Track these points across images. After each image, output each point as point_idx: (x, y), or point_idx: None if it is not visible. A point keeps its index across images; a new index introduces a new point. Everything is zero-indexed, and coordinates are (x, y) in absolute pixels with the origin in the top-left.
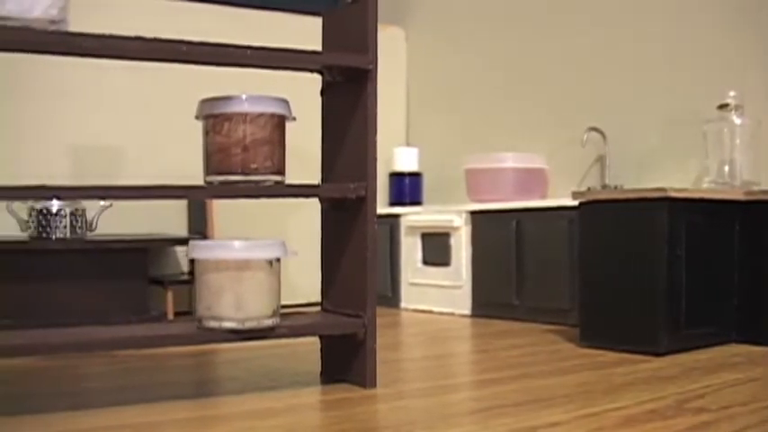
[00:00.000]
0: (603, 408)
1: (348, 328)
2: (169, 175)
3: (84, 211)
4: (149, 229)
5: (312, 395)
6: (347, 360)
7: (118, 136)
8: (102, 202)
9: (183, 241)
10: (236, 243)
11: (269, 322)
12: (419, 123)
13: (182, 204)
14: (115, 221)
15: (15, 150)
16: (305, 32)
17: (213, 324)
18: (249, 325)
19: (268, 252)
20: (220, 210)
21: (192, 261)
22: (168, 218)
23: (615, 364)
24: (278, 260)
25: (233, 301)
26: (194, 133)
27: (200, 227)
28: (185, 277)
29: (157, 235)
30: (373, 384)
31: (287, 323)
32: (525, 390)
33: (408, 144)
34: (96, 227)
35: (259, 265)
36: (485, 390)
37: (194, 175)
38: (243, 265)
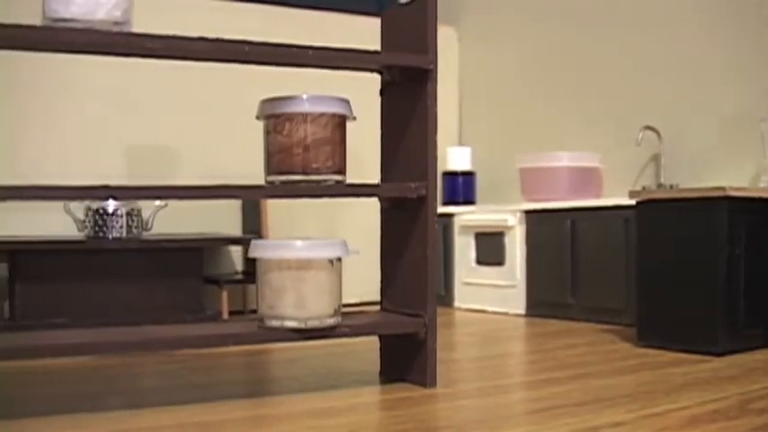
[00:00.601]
0: (666, 408)
1: (409, 327)
2: (220, 174)
3: (139, 210)
4: (203, 228)
5: (373, 394)
6: (407, 359)
7: (172, 136)
8: (157, 202)
9: (238, 241)
10: (298, 242)
11: (331, 321)
12: (472, 123)
13: (236, 204)
14: (169, 221)
15: (70, 150)
16: (353, 32)
17: (275, 323)
18: (311, 324)
19: (329, 251)
20: (272, 209)
21: (252, 260)
22: (222, 217)
23: (674, 363)
24: (339, 259)
25: (295, 301)
26: (248, 133)
27: (254, 226)
28: (240, 277)
29: (212, 234)
30: (434, 384)
31: (348, 322)
32: (585, 389)
33: (461, 143)
34: (152, 227)
35: (321, 264)
36: (544, 389)
37: (248, 174)
38: (305, 265)
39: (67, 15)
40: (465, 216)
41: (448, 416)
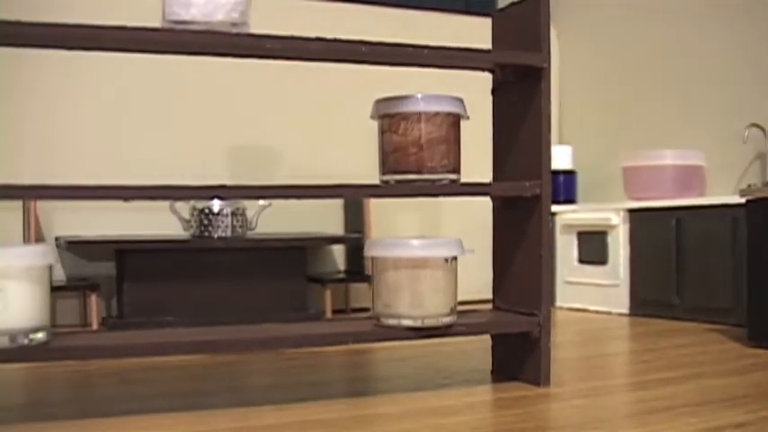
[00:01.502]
0: None
1: (524, 326)
2: (310, 174)
3: (244, 210)
4: (305, 227)
5: (487, 393)
6: (519, 358)
7: (269, 136)
8: (261, 202)
9: (341, 240)
10: (414, 241)
11: (447, 320)
12: (572, 121)
13: (338, 203)
14: (272, 221)
15: (174, 150)
16: (441, 31)
17: (391, 322)
18: (428, 323)
19: (445, 250)
20: (373, 208)
21: (356, 259)
22: (324, 216)
23: None
24: (455, 258)
25: (411, 299)
26: (351, 133)
27: (356, 225)
28: (342, 276)
29: (315, 234)
30: (547, 383)
31: (463, 321)
32: (702, 390)
33: (561, 142)
34: (256, 226)
35: (437, 263)
36: (660, 389)
37: (351, 174)
38: (421, 263)
39: (187, 18)
40: (567, 215)
41: (566, 415)
